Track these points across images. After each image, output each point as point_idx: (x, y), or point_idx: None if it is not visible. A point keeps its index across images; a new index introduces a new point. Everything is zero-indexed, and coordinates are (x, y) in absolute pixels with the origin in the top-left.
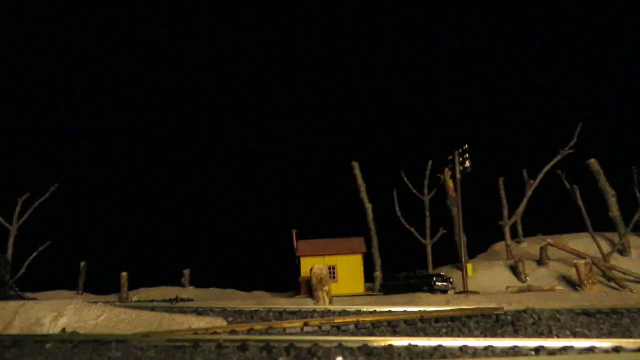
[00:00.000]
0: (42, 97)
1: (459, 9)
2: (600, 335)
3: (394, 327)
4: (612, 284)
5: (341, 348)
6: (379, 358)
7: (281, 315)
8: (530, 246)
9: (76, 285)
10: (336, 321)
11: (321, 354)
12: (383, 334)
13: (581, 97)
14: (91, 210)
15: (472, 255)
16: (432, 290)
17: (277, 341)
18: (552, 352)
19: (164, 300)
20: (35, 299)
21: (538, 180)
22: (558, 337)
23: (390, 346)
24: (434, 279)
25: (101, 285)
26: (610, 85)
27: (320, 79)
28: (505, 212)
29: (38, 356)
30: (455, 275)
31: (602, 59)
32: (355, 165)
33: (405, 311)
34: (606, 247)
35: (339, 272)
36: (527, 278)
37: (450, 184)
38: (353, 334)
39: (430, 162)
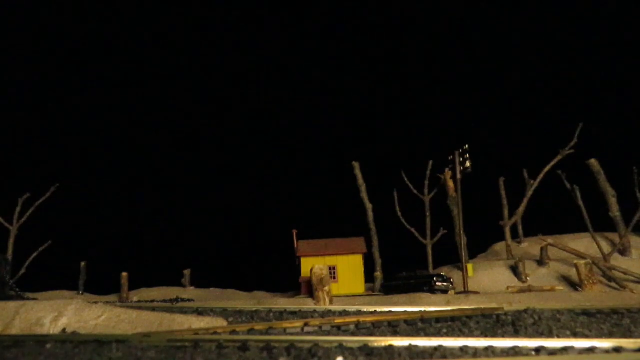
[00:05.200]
0: (43, 97)
1: (459, 9)
2: (600, 336)
3: (395, 327)
4: (613, 284)
5: (341, 348)
6: (379, 358)
7: (281, 315)
8: (531, 246)
9: (76, 285)
10: (336, 321)
11: (321, 354)
12: (383, 334)
13: (581, 97)
14: (91, 210)
15: (472, 255)
16: (433, 290)
17: (278, 341)
18: (553, 352)
19: (164, 301)
20: (35, 299)
21: (538, 180)
22: (558, 337)
23: (391, 346)
24: (434, 279)
25: (101, 285)
26: (610, 85)
27: (320, 79)
28: (506, 212)
29: (38, 356)
30: (456, 275)
31: (603, 59)
32: (356, 165)
33: (405, 311)
34: (606, 247)
35: (339, 272)
36: (528, 278)
37: (451, 184)
38: (353, 334)
39: (431, 162)
